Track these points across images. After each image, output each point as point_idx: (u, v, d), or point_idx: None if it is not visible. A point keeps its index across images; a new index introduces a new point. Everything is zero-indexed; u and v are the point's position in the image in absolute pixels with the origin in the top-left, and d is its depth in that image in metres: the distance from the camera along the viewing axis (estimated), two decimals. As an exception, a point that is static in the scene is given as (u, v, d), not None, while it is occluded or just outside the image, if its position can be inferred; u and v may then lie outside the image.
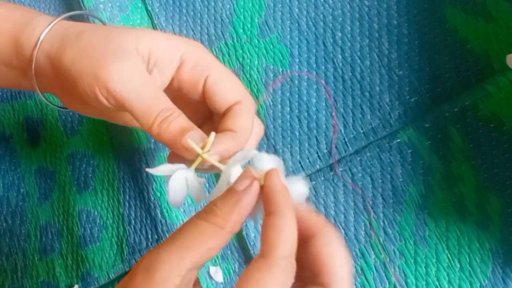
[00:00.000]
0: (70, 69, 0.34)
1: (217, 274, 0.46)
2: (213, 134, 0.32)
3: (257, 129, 0.39)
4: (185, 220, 0.48)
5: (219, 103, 0.36)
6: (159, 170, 0.32)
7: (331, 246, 0.30)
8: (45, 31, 0.36)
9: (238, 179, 0.30)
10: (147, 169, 0.32)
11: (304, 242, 0.30)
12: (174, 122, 0.33)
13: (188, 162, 0.33)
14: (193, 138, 0.32)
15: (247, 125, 0.35)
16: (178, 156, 0.34)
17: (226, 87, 0.36)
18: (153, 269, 0.27)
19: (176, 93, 0.38)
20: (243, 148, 0.34)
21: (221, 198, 0.29)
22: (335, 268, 0.29)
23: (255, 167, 0.31)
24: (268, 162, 0.31)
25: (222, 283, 0.46)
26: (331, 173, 0.44)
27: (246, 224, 0.45)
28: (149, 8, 0.52)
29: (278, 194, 0.29)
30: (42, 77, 0.37)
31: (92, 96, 0.34)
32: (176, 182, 0.32)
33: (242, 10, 0.49)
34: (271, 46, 0.47)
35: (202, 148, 0.32)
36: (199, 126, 0.35)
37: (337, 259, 0.30)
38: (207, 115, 0.39)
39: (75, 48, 0.35)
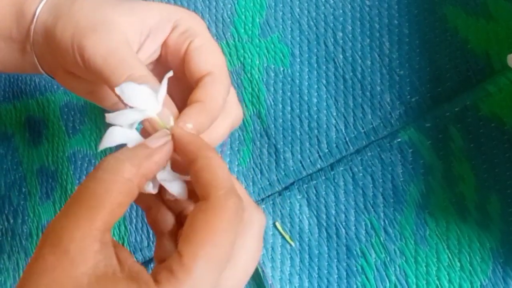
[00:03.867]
0: (61, 37, 0.34)
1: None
2: (170, 112, 0.31)
3: (234, 114, 0.37)
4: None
5: (193, 70, 0.34)
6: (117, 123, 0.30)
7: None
8: (43, 1, 0.36)
9: (154, 136, 0.29)
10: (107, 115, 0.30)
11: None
12: None
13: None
14: (161, 116, 0.31)
15: (217, 96, 0.33)
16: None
17: (204, 55, 0.35)
18: (64, 242, 0.25)
19: (164, 65, 0.37)
20: (214, 118, 0.33)
21: (132, 150, 0.28)
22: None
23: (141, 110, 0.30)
24: (141, 96, 0.30)
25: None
26: (332, 173, 0.44)
27: (247, 224, 0.45)
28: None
29: (190, 143, 0.29)
30: (38, 49, 0.37)
31: (77, 64, 0.34)
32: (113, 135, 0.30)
33: (243, 10, 0.49)
34: (272, 46, 0.48)
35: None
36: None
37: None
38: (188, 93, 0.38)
39: (66, 16, 0.35)
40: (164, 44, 0.36)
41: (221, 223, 0.26)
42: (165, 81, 0.30)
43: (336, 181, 0.44)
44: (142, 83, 0.31)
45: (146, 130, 0.32)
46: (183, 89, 0.37)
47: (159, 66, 0.37)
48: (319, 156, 0.45)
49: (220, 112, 0.33)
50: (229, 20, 0.49)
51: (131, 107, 0.30)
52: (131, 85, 0.30)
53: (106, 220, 0.26)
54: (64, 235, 0.25)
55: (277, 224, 0.44)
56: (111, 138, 0.30)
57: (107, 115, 0.30)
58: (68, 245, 0.25)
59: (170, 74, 0.31)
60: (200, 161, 0.28)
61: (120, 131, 0.30)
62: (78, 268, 0.25)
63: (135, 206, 0.50)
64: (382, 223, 0.42)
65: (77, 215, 0.25)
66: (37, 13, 0.36)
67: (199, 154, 0.28)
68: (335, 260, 0.43)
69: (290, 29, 0.47)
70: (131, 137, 0.30)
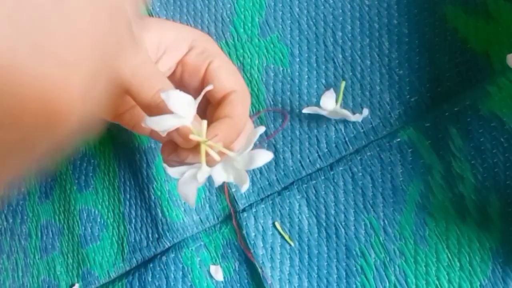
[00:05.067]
0: None
1: (217, 273, 0.46)
2: (205, 122, 0.32)
3: (248, 129, 0.39)
4: (185, 219, 0.48)
5: (217, 88, 0.36)
6: (175, 171, 0.32)
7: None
8: None
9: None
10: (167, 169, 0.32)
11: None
12: None
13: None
14: (193, 126, 0.32)
15: (243, 113, 0.36)
16: (172, 143, 0.34)
17: (225, 74, 0.37)
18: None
19: (177, 83, 0.38)
20: (239, 135, 0.35)
21: None
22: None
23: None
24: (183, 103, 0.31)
25: (222, 282, 0.46)
26: (331, 173, 0.44)
27: (246, 223, 0.45)
28: (150, 8, 0.52)
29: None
30: None
31: None
32: (186, 184, 0.32)
33: (242, 10, 0.49)
34: (272, 46, 0.48)
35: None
36: None
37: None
38: (204, 109, 0.40)
39: None
40: (181, 63, 0.38)
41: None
42: (202, 93, 0.32)
43: (335, 181, 0.44)
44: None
45: (171, 138, 0.33)
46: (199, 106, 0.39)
47: (172, 83, 0.37)
48: (319, 156, 0.45)
49: (244, 128, 0.36)
50: (228, 19, 0.49)
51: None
52: (177, 93, 0.31)
53: None
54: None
55: (277, 224, 0.44)
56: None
57: (146, 118, 0.30)
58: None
59: (210, 87, 0.32)
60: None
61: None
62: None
63: (134, 206, 0.50)
64: (382, 223, 0.42)
65: None
66: None
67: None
68: (335, 260, 0.43)
69: (289, 28, 0.47)
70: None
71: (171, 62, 0.38)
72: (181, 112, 0.31)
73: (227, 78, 0.37)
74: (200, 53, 0.38)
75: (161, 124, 0.31)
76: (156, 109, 0.33)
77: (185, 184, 0.32)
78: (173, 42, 0.37)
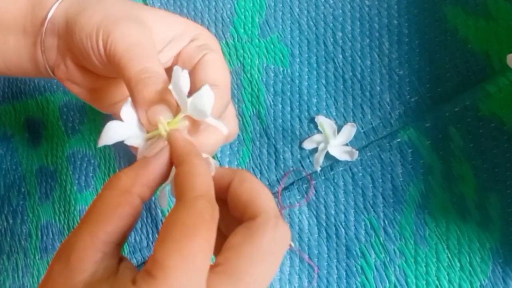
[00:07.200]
0: (86, 22, 0.35)
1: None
2: (181, 114, 0.31)
3: (229, 128, 0.37)
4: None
5: (201, 78, 0.36)
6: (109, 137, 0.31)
7: (246, 182, 0.29)
8: None
9: (151, 146, 0.30)
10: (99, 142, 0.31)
11: (224, 191, 0.30)
12: (151, 87, 0.32)
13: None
14: (160, 112, 0.31)
15: (215, 109, 0.34)
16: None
17: (215, 69, 0.36)
18: (66, 253, 0.26)
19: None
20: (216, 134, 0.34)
21: (130, 165, 0.29)
22: (255, 199, 0.29)
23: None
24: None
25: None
26: (332, 173, 0.44)
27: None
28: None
29: (181, 147, 0.29)
30: (49, 39, 0.38)
31: (94, 50, 0.35)
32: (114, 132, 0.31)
33: (242, 10, 0.49)
34: (272, 46, 0.48)
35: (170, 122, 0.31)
36: None
37: (254, 191, 0.29)
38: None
39: (96, 6, 0.36)
40: (179, 53, 0.38)
41: (192, 218, 0.25)
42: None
43: (335, 181, 0.44)
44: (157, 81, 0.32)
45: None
46: None
47: (169, 75, 0.37)
48: (319, 156, 0.45)
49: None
50: (228, 20, 0.49)
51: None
52: (117, 123, 0.31)
53: (108, 231, 0.27)
54: (67, 247, 0.26)
55: None
56: (109, 135, 0.30)
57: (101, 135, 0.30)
58: (70, 254, 0.26)
59: (185, 71, 0.31)
60: (184, 166, 0.28)
61: (118, 127, 0.30)
62: (76, 277, 0.26)
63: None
64: (382, 223, 0.42)
65: (81, 228, 0.27)
66: (59, 0, 0.37)
67: (186, 159, 0.28)
68: (335, 260, 0.43)
69: (289, 29, 0.47)
70: (129, 133, 0.31)
71: (172, 53, 0.38)
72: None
73: (215, 73, 0.36)
74: (199, 45, 0.37)
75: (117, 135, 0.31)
76: (136, 85, 0.32)
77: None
78: (179, 34, 0.37)
